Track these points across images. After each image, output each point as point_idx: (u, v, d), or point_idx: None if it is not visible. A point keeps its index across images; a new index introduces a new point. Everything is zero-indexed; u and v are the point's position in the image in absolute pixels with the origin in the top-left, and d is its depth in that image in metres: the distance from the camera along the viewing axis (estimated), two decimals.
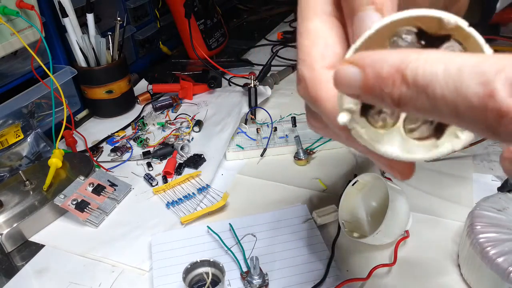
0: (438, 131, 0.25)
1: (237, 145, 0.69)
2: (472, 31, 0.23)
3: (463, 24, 0.23)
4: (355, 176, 0.52)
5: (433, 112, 0.19)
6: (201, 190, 0.61)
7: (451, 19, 0.23)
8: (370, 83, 0.21)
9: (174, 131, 0.76)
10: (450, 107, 0.18)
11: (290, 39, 1.10)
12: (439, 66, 0.18)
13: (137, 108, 0.86)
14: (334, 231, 0.52)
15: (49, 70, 0.66)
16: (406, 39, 0.24)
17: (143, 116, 0.81)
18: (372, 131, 0.26)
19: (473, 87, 0.17)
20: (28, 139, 0.70)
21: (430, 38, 0.24)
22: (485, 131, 0.18)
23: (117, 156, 0.71)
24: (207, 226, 0.53)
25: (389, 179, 0.56)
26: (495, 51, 0.21)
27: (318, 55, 0.26)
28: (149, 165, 0.68)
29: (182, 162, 0.68)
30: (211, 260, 0.45)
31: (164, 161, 0.68)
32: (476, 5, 0.42)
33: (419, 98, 0.19)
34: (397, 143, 0.26)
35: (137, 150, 0.72)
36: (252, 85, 0.79)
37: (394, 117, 0.27)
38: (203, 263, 0.45)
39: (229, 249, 0.50)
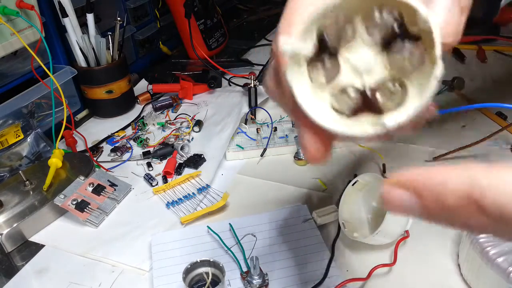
0: (374, 110, 0.25)
1: (237, 145, 0.69)
2: (436, 38, 0.22)
3: (432, 23, 0.23)
4: (355, 176, 0.52)
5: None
6: (201, 190, 0.61)
7: (424, 12, 0.23)
8: (434, 212, 0.20)
9: (174, 131, 0.76)
10: None
11: None
12: None
13: (137, 108, 0.86)
14: (334, 231, 0.52)
15: (49, 70, 0.66)
16: (384, 19, 0.25)
17: (143, 116, 0.81)
18: (307, 84, 0.26)
19: None
20: (28, 139, 0.70)
21: (405, 31, 0.24)
22: None
23: (117, 156, 0.71)
24: (207, 226, 0.53)
25: None
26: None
27: (298, 17, 0.26)
28: (149, 165, 0.68)
29: (182, 162, 0.68)
30: (211, 260, 0.45)
31: (164, 161, 0.68)
32: (479, 1, 0.42)
33: (499, 227, 0.18)
34: (323, 107, 0.26)
35: (137, 150, 0.72)
36: (252, 85, 0.79)
37: (330, 78, 0.26)
38: (203, 263, 0.45)
39: (229, 249, 0.50)
